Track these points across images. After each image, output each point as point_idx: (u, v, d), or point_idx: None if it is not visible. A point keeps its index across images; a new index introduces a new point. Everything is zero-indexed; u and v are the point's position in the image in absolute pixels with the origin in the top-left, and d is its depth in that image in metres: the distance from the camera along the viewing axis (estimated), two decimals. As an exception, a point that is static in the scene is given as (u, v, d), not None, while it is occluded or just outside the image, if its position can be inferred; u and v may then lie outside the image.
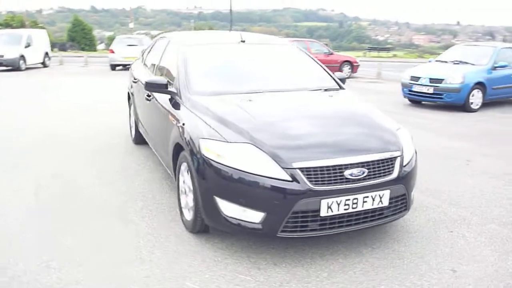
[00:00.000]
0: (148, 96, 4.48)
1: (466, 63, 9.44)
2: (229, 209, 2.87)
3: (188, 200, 3.35)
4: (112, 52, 17.98)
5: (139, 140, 5.75)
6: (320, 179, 2.78)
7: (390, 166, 3.02)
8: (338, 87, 4.16)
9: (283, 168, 2.76)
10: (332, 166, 2.82)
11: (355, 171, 2.86)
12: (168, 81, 3.93)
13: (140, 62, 5.74)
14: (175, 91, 3.79)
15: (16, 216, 3.64)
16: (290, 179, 2.74)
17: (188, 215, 3.37)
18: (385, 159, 3.01)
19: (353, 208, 2.87)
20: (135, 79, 5.44)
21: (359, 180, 2.87)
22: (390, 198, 3.00)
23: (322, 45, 16.50)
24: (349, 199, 2.84)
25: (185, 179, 3.38)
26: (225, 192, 2.87)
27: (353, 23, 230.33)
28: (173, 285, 2.68)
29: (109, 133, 6.61)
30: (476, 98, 9.04)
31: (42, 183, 4.44)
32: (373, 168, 2.94)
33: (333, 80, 4.28)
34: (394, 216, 3.12)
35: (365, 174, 2.89)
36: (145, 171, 4.85)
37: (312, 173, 2.78)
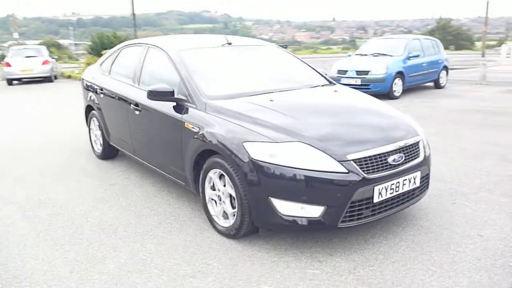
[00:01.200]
0: (137, 106, 4.25)
1: (385, 55, 10.39)
2: (285, 207, 2.91)
3: (225, 206, 3.30)
4: (8, 65, 16.24)
5: (109, 154, 5.43)
6: (370, 168, 2.96)
7: (417, 149, 3.32)
8: (329, 83, 4.38)
9: (338, 161, 2.88)
10: (379, 154, 3.02)
11: (396, 157, 3.09)
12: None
13: (99, 72, 5.39)
14: (184, 97, 3.68)
15: None
16: (346, 171, 2.87)
17: (226, 222, 3.33)
18: (414, 143, 3.29)
19: (396, 191, 3.10)
20: (101, 90, 5.10)
21: (399, 165, 3.10)
22: (420, 179, 3.30)
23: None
24: (393, 184, 3.06)
25: (219, 186, 3.33)
26: (282, 191, 2.90)
27: (237, 24, 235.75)
28: (251, 291, 2.66)
29: (61, 151, 6.08)
30: (398, 86, 10.02)
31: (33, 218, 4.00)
32: (407, 152, 3.20)
33: (321, 76, 4.49)
34: (421, 195, 3.42)
35: (403, 159, 3.14)
36: (135, 185, 4.59)
37: (364, 163, 2.94)
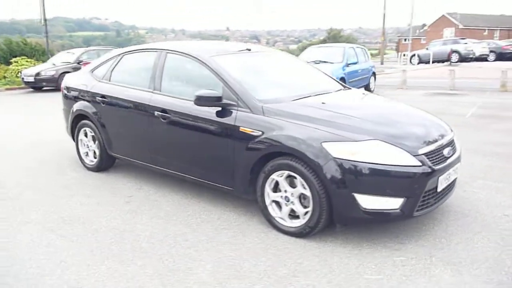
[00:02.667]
0: (164, 112, 4.10)
1: (325, 62, 11.04)
2: (368, 202, 3.10)
3: (296, 207, 3.38)
4: None
5: (105, 166, 5.11)
6: (435, 160, 3.28)
7: (455, 143, 3.73)
8: (343, 86, 4.66)
9: (413, 155, 3.16)
10: (438, 148, 3.36)
11: (448, 149, 3.47)
12: None
13: (92, 79, 5.05)
14: (233, 102, 3.68)
15: None
16: (420, 164, 3.15)
17: (295, 222, 3.41)
18: (453, 138, 3.70)
19: (447, 181, 3.47)
20: (102, 98, 4.78)
21: (450, 157, 3.48)
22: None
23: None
24: (447, 174, 3.42)
25: (286, 188, 3.40)
26: (365, 187, 3.09)
27: (130, 32, 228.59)
28: (357, 282, 2.79)
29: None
30: (341, 90, 10.72)
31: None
32: (452, 146, 3.60)
33: (333, 80, 4.76)
34: (455, 186, 3.84)
35: (452, 152, 3.52)
36: (157, 195, 4.40)
37: (430, 156, 3.25)
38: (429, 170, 3.17)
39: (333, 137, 3.19)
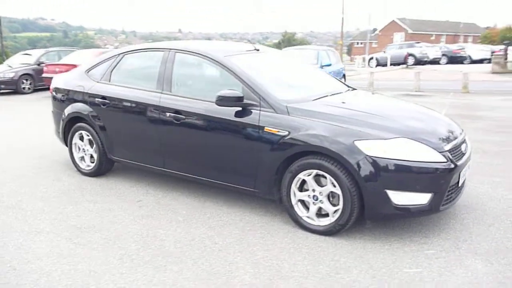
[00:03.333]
0: (177, 113, 4.01)
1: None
2: (399, 198, 3.18)
3: (325, 205, 3.40)
4: None
5: (103, 171, 4.92)
6: (456, 156, 3.41)
7: (467, 141, 3.89)
8: (350, 87, 4.73)
9: (439, 152, 3.27)
10: (457, 144, 3.50)
11: (464, 146, 3.62)
12: None
13: (88, 80, 4.85)
14: (255, 102, 3.66)
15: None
16: (445, 160, 3.27)
17: (323, 221, 3.43)
18: (464, 135, 3.86)
19: (464, 176, 3.62)
20: (103, 99, 4.60)
21: (465, 153, 3.63)
22: (468, 166, 3.89)
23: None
24: (464, 169, 3.57)
25: (314, 187, 3.42)
26: (397, 183, 3.17)
27: (78, 33, 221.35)
28: (399, 276, 2.86)
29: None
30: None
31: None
32: (466, 143, 3.76)
33: (339, 81, 4.85)
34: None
35: (466, 148, 3.68)
36: (167, 199, 4.28)
37: (452, 152, 3.38)
38: (453, 166, 3.29)
39: (364, 135, 3.25)
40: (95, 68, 4.91)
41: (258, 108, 3.64)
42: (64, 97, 5.07)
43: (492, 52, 29.88)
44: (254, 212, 3.94)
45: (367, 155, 3.17)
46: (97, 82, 4.77)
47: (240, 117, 3.69)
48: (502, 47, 20.78)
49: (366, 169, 3.17)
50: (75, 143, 5.05)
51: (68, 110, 4.98)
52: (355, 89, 4.71)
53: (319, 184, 3.43)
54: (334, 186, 3.32)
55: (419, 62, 27.33)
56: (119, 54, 4.76)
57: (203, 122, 3.91)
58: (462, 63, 28.73)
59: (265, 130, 3.56)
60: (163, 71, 4.26)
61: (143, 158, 4.48)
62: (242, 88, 3.75)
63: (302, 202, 3.55)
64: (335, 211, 3.36)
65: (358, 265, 3.01)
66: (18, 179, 4.98)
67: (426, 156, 3.21)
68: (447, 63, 28.60)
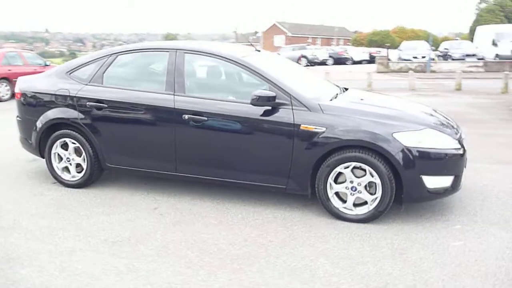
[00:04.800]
0: (198, 115, 3.92)
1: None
2: (431, 182, 3.59)
3: (363, 195, 3.66)
4: None
5: (92, 181, 4.54)
6: (462, 143, 3.93)
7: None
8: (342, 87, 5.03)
9: (456, 140, 3.75)
10: (460, 134, 4.02)
11: (462, 135, 4.18)
12: None
13: (72, 83, 4.42)
14: (286, 101, 3.76)
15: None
16: (460, 146, 3.76)
17: (362, 209, 3.69)
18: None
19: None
20: (99, 103, 4.25)
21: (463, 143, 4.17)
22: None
23: (38, 56, 14.34)
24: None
25: (352, 178, 3.66)
26: (430, 169, 3.57)
27: None
28: (451, 250, 3.25)
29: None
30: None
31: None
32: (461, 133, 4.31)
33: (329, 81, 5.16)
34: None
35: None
36: (187, 203, 4.14)
37: (460, 140, 3.90)
38: (463, 151, 3.79)
39: (399, 128, 3.58)
40: (79, 69, 4.49)
41: (290, 107, 3.75)
42: (39, 102, 4.55)
43: (370, 54, 33.34)
44: (283, 209, 4.02)
45: (405, 146, 3.50)
46: (86, 84, 4.38)
47: (267, 116, 3.76)
48: (377, 49, 23.52)
49: (405, 159, 3.51)
50: (56, 153, 4.55)
51: (47, 116, 4.47)
52: (347, 88, 5.03)
53: (355, 175, 3.67)
54: (372, 176, 3.59)
55: (310, 63, 29.26)
56: (110, 55, 4.42)
57: (229, 123, 3.89)
58: (345, 63, 31.49)
59: (301, 128, 3.69)
60: (172, 72, 4.10)
61: (149, 164, 4.26)
62: (270, 88, 3.82)
63: (337, 194, 3.76)
64: (374, 199, 3.64)
65: (412, 244, 3.33)
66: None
67: (448, 143, 3.66)
68: (333, 64, 31.08)
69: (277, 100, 3.74)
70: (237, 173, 3.99)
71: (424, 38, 47.29)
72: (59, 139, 4.50)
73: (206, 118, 3.91)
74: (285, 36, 66.39)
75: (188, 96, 4.03)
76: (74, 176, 4.55)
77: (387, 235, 3.48)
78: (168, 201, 4.22)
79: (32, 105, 4.61)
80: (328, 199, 3.75)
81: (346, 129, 3.60)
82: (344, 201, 3.74)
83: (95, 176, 4.52)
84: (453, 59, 23.62)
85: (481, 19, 44.37)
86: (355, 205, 3.72)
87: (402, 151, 3.50)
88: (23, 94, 4.66)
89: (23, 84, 4.72)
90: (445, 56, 25.05)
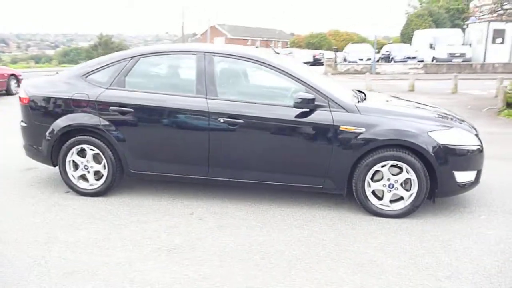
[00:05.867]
0: (233, 118, 3.92)
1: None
2: (461, 177, 3.86)
3: (400, 192, 3.86)
4: None
5: (110, 188, 4.35)
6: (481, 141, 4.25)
7: None
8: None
9: (477, 137, 4.07)
10: (477, 131, 4.36)
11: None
12: None
13: (90, 87, 4.22)
14: (323, 103, 3.87)
15: None
16: (480, 143, 4.08)
17: (399, 205, 3.89)
18: None
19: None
20: (122, 107, 4.10)
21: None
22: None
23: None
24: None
25: (389, 176, 3.84)
26: (460, 165, 3.85)
27: None
28: (488, 237, 3.53)
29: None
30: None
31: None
32: None
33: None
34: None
35: None
36: (221, 208, 4.10)
37: (479, 137, 4.22)
38: (482, 147, 4.12)
39: (433, 127, 3.82)
40: (96, 72, 4.29)
41: (328, 109, 3.86)
42: (52, 108, 4.29)
43: (313, 56, 34.35)
44: (314, 208, 4.12)
45: (440, 144, 3.75)
46: (106, 88, 4.20)
47: (306, 118, 3.85)
48: (319, 51, 24.32)
49: (440, 156, 3.75)
50: (71, 161, 4.32)
51: (62, 122, 4.23)
52: (361, 91, 5.20)
53: (391, 173, 3.86)
54: (408, 172, 3.80)
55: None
56: (132, 57, 4.26)
57: (266, 125, 3.92)
58: (291, 65, 32.11)
59: (340, 128, 3.82)
60: (202, 75, 4.06)
61: (178, 168, 4.17)
62: (306, 90, 3.91)
63: (372, 191, 3.93)
64: (409, 195, 3.85)
65: (454, 236, 3.57)
66: (6, 209, 4.03)
67: (472, 140, 3.96)
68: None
69: (316, 102, 3.84)
70: (273, 175, 4.03)
71: (358, 41, 49.64)
72: (75, 145, 4.27)
73: (242, 121, 3.92)
74: (225, 38, 66.50)
75: (221, 99, 4.01)
76: (92, 184, 4.35)
77: (426, 228, 3.70)
78: (199, 206, 4.16)
79: (43, 110, 4.34)
80: (366, 197, 3.91)
81: (385, 129, 3.78)
82: (380, 198, 3.92)
83: (115, 183, 4.34)
84: (395, 62, 25.02)
85: (411, 23, 47.13)
86: (390, 201, 3.91)
87: (438, 148, 3.74)
88: (32, 99, 4.36)
89: (32, 89, 4.42)
90: (387, 59, 26.44)
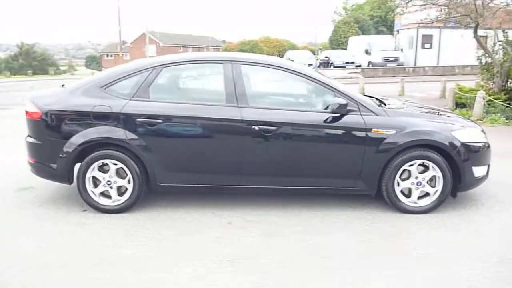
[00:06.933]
0: (268, 125, 3.95)
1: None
2: (477, 171, 4.19)
3: (427, 188, 4.11)
4: None
5: (134, 203, 4.18)
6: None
7: None
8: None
9: (484, 134, 4.45)
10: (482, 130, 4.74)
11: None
12: None
13: (117, 99, 4.02)
14: (354, 108, 4.03)
15: None
16: (487, 140, 4.46)
17: (426, 200, 4.13)
18: None
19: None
20: (150, 118, 3.97)
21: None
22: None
23: None
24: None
25: (417, 175, 4.08)
26: (477, 160, 4.17)
27: None
28: (505, 228, 3.90)
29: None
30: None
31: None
32: None
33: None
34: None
35: None
36: (257, 215, 4.09)
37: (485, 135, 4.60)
38: (489, 144, 4.50)
39: (454, 127, 4.13)
40: (116, 83, 4.10)
41: (359, 113, 4.03)
42: (71, 122, 4.03)
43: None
44: (345, 209, 4.24)
45: (462, 142, 4.05)
46: (129, 99, 4.04)
47: (338, 122, 3.99)
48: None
49: (463, 153, 4.05)
50: (91, 177, 4.09)
51: (82, 137, 4.00)
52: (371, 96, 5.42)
53: (418, 171, 4.10)
54: (434, 169, 4.06)
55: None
56: (154, 67, 4.13)
57: (300, 131, 4.00)
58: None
59: (372, 131, 3.99)
60: (231, 84, 4.04)
61: (210, 178, 4.12)
62: (336, 95, 4.05)
63: (400, 190, 4.14)
64: (435, 192, 4.11)
65: (479, 225, 3.87)
66: (23, 231, 3.73)
67: (482, 138, 4.33)
68: None
69: (348, 107, 3.98)
70: (308, 180, 4.12)
71: (288, 48, 50.93)
72: (96, 161, 4.05)
73: (276, 128, 3.96)
74: (157, 46, 65.29)
75: (253, 107, 4.02)
76: (115, 200, 4.14)
77: (454, 221, 3.98)
78: (231, 215, 4.12)
79: (59, 125, 4.05)
80: (396, 196, 4.11)
81: (414, 130, 4.01)
82: (406, 196, 4.14)
83: (140, 198, 4.18)
84: (335, 67, 26.12)
85: (339, 30, 49.46)
86: (418, 198, 4.15)
87: (460, 146, 4.04)
88: (46, 113, 4.07)
89: (43, 102, 4.12)
90: (327, 64, 27.52)
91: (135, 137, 3.99)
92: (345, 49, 32.99)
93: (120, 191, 4.15)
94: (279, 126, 3.97)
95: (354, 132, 4.00)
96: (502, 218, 4.05)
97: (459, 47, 24.40)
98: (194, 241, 3.58)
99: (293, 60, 5.37)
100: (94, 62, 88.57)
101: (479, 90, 10.43)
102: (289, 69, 4.16)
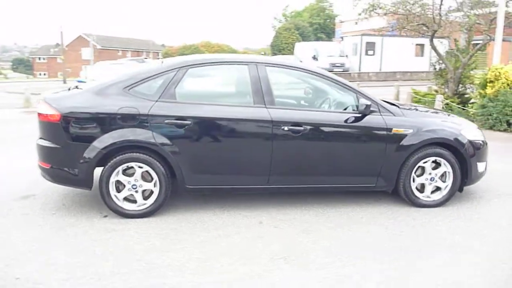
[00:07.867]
0: (296, 125, 4.05)
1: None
2: (480, 167, 4.56)
3: (439, 183, 4.40)
4: None
5: (159, 207, 4.10)
6: (480, 136, 5.05)
7: None
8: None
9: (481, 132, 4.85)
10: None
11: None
12: None
13: (142, 100, 3.92)
14: (375, 109, 4.24)
15: None
16: (484, 138, 4.86)
17: (437, 195, 4.43)
18: None
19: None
20: (180, 120, 3.92)
21: None
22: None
23: None
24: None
25: (430, 171, 4.37)
26: (480, 156, 4.54)
27: None
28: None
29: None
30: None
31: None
32: None
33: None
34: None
35: None
36: (285, 214, 4.15)
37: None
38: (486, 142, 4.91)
39: (461, 126, 4.47)
40: (139, 84, 4.00)
41: (379, 113, 4.24)
42: (93, 124, 3.87)
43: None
44: (364, 206, 4.42)
45: (469, 139, 4.40)
46: (156, 101, 3.96)
47: (361, 122, 4.19)
48: None
49: (470, 150, 4.40)
50: (115, 181, 3.95)
51: (108, 139, 3.85)
52: None
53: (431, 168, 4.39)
54: (445, 166, 4.37)
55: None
56: (179, 68, 4.07)
57: (327, 131, 4.14)
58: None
59: (393, 131, 4.22)
60: (258, 85, 4.09)
61: (237, 179, 4.13)
62: (355, 97, 4.25)
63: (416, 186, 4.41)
64: (446, 186, 4.42)
65: (493, 216, 4.22)
66: (50, 242, 3.52)
67: (481, 136, 4.72)
68: None
69: (371, 108, 4.19)
70: (330, 178, 4.26)
71: (229, 52, 51.08)
72: (120, 164, 3.93)
73: (303, 128, 4.07)
74: (94, 49, 62.76)
75: (281, 107, 4.10)
76: (140, 205, 4.03)
77: (466, 213, 4.30)
78: (259, 215, 4.15)
79: (81, 128, 3.88)
80: (412, 191, 4.36)
81: (429, 129, 4.29)
82: (420, 191, 4.42)
83: (166, 202, 4.10)
84: (284, 72, 26.57)
85: (280, 36, 50.44)
86: (431, 193, 4.44)
87: (468, 144, 4.39)
88: (66, 116, 3.87)
89: (62, 104, 3.91)
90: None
91: (164, 139, 3.92)
92: (287, 54, 33.74)
93: (144, 195, 4.05)
94: (307, 126, 4.08)
95: (376, 132, 4.20)
96: (503, 208, 4.45)
97: (399, 54, 26.00)
98: (234, 242, 3.58)
99: (301, 61, 5.49)
100: (21, 65, 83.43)
101: (433, 94, 11.19)
102: (311, 71, 4.29)
